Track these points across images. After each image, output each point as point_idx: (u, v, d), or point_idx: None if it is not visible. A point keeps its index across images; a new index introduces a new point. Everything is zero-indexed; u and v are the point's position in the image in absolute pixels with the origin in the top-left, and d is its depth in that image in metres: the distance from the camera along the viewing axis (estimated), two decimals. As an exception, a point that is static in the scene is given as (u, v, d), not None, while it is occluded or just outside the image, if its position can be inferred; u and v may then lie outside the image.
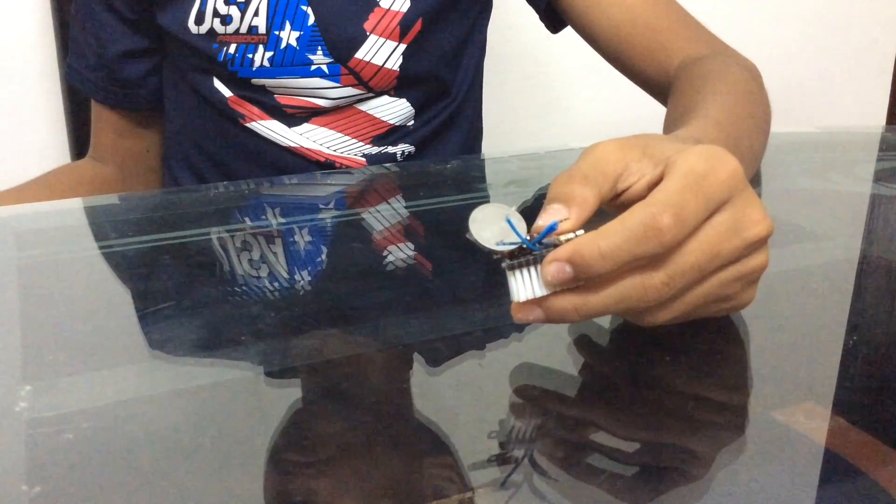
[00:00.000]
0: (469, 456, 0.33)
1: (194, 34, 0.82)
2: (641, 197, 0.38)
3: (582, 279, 0.36)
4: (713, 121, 0.56)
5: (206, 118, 0.88)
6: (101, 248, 0.53)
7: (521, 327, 0.43)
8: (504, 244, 0.37)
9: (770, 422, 0.35)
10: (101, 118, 0.95)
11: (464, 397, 0.37)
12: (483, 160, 0.91)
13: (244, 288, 0.50)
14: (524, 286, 0.37)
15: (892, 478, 0.32)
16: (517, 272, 0.37)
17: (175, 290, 0.49)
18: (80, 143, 1.11)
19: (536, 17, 0.90)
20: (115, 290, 0.48)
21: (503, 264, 0.37)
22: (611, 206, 0.40)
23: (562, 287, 0.36)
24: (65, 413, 0.35)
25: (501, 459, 0.32)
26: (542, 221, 0.37)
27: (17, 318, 0.46)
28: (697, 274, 0.37)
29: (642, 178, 0.39)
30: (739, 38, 0.80)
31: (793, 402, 0.37)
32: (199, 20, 0.81)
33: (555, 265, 0.35)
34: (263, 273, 0.50)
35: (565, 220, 0.37)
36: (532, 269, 0.36)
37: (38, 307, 0.46)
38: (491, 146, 1.03)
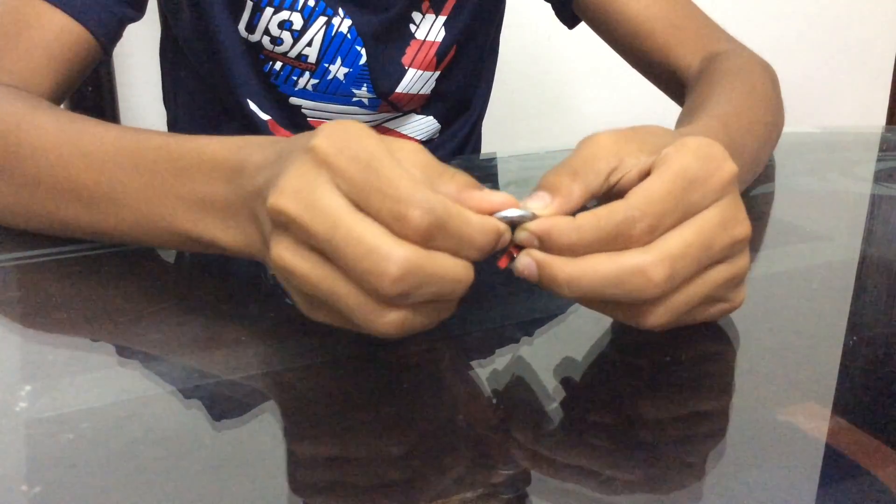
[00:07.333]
0: (469, 457, 0.33)
1: (244, 37, 0.79)
2: (632, 186, 0.38)
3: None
4: (720, 122, 0.55)
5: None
6: (101, 247, 0.53)
7: (525, 330, 0.43)
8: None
9: (770, 422, 0.35)
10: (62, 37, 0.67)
11: (465, 397, 0.37)
12: (483, 160, 0.91)
13: (244, 287, 0.50)
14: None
15: (893, 477, 0.32)
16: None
17: (175, 290, 0.49)
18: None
19: (537, 17, 0.90)
20: (115, 289, 0.48)
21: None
22: (605, 197, 0.40)
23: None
24: (65, 413, 0.35)
25: (503, 461, 0.32)
26: (520, 208, 0.37)
27: (17, 318, 0.46)
28: (695, 266, 0.37)
29: (634, 169, 0.39)
30: (739, 37, 0.80)
31: (793, 402, 0.37)
32: (250, 30, 0.79)
33: (525, 234, 0.36)
34: (264, 272, 0.50)
35: (546, 207, 0.38)
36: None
37: (37, 307, 0.46)
38: (491, 146, 1.03)
